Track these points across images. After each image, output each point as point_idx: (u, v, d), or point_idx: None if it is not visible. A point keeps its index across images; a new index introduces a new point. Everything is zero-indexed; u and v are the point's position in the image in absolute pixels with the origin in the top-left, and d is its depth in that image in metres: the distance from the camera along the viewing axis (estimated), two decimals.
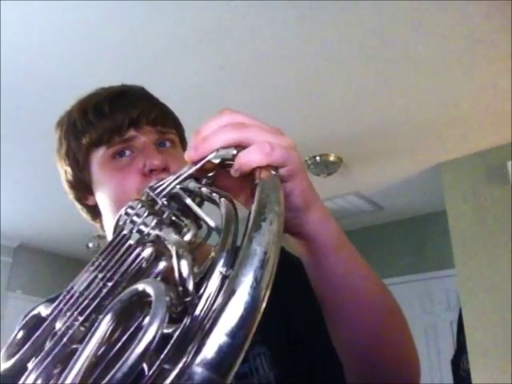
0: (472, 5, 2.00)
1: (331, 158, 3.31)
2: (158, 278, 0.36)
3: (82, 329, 0.35)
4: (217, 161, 0.41)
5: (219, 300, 0.27)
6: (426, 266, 4.26)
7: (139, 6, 1.99)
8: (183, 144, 0.79)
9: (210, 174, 0.43)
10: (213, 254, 0.34)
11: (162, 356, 0.29)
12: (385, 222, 4.55)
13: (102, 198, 0.73)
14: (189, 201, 0.40)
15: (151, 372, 0.28)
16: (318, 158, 3.29)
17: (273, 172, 0.39)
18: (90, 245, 4.54)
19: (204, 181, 0.43)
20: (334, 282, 0.49)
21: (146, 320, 0.28)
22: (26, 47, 2.23)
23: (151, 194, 0.43)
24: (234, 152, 0.40)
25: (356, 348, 0.53)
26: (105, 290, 0.36)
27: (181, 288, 0.31)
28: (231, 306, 0.26)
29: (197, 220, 0.39)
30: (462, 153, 3.26)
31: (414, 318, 4.07)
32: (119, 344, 0.32)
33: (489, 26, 2.12)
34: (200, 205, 0.41)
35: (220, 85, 2.55)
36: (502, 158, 3.10)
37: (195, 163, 0.42)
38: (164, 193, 0.43)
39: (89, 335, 0.32)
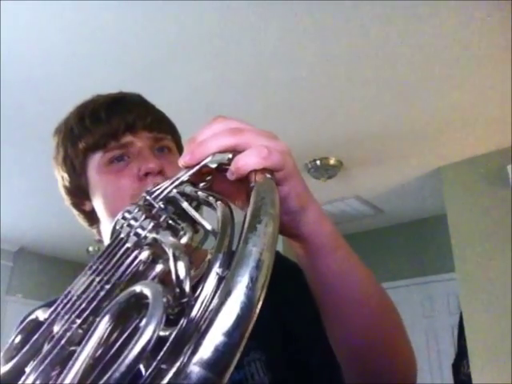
0: (472, 6, 2.01)
1: (331, 162, 3.31)
2: (156, 281, 0.36)
3: (80, 331, 0.35)
4: (213, 165, 0.41)
5: (215, 300, 0.27)
6: (427, 269, 4.25)
7: (140, 9, 2.00)
8: (179, 150, 0.79)
9: (208, 178, 0.43)
10: (209, 256, 0.34)
11: (159, 357, 0.29)
12: (385, 226, 4.55)
13: (99, 202, 0.74)
14: (185, 204, 0.41)
15: (148, 372, 0.29)
16: (318, 161, 3.29)
17: (268, 176, 0.39)
18: (90, 249, 4.55)
19: (201, 185, 0.43)
20: (331, 281, 0.50)
21: (143, 321, 0.28)
22: (27, 50, 2.24)
23: (148, 198, 0.43)
24: (230, 156, 0.41)
25: (353, 347, 0.54)
26: (102, 293, 0.36)
27: (178, 289, 0.31)
28: (227, 306, 0.26)
29: (193, 223, 0.40)
30: (462, 156, 3.26)
31: (414, 322, 4.06)
32: (117, 345, 0.32)
33: (488, 28, 2.13)
34: (197, 209, 0.42)
35: (220, 89, 2.55)
36: (502, 161, 3.10)
37: (191, 168, 0.42)
38: (161, 197, 0.43)
39: (87, 337, 0.32)
